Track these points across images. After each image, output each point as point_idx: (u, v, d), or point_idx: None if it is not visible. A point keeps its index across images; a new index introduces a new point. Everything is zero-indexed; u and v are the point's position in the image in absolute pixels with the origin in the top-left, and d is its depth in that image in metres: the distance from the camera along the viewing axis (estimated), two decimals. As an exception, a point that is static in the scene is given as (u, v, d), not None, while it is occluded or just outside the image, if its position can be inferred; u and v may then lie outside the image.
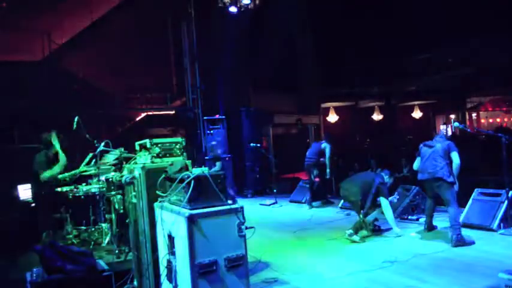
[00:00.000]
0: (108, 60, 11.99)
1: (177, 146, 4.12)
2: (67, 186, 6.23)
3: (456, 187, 5.88)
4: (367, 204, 6.34)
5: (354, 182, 6.66)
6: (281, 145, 15.70)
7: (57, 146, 6.02)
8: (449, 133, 19.66)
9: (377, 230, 6.59)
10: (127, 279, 4.36)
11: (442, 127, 23.57)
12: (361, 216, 6.33)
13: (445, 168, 5.86)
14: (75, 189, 6.17)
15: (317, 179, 9.17)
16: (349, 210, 8.21)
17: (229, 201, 3.30)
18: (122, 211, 5.39)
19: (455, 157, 5.85)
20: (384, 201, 6.36)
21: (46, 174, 5.88)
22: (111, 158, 5.93)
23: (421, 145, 6.28)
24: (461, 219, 6.33)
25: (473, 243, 5.61)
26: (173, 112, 13.00)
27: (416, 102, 22.64)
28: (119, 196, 5.48)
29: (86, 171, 6.28)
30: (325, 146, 9.15)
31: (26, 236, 6.06)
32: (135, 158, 4.35)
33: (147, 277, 3.86)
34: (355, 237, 6.16)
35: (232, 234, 3.18)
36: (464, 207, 6.47)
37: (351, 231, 6.22)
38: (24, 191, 6.84)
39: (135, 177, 3.95)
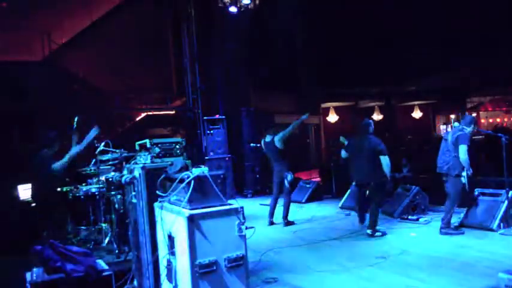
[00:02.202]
0: (108, 60, 11.99)
1: (177, 146, 4.13)
2: (67, 186, 6.24)
3: (463, 180, 5.90)
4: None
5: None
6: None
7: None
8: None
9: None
10: (127, 279, 4.36)
11: (442, 127, 23.59)
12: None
13: (451, 162, 5.93)
14: (75, 189, 6.18)
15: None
16: (349, 210, 8.21)
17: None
18: (122, 211, 5.40)
19: (460, 151, 5.83)
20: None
21: (56, 166, 5.86)
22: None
23: (443, 138, 6.34)
24: (460, 219, 6.37)
25: (462, 233, 5.96)
26: (173, 112, 13.01)
27: (416, 102, 22.65)
28: (118, 196, 5.49)
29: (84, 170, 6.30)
30: (278, 139, 7.25)
31: (26, 236, 6.06)
32: (135, 158, 4.35)
33: (147, 277, 3.86)
34: (378, 234, 6.27)
35: (232, 234, 3.18)
36: (465, 207, 6.48)
37: (369, 231, 6.29)
38: (24, 191, 6.84)
39: (135, 177, 3.95)
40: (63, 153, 6.17)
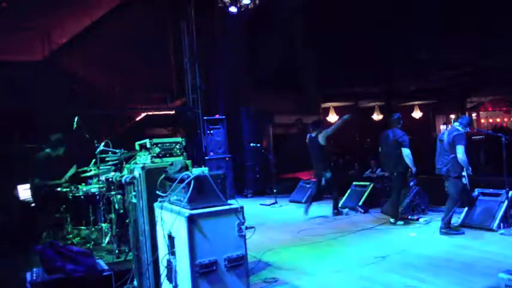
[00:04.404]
0: (108, 61, 11.97)
1: (177, 146, 4.13)
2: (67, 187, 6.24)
3: (464, 180, 5.94)
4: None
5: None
6: (281, 145, 15.70)
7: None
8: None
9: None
10: (127, 279, 4.36)
11: (442, 127, 23.58)
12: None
13: (450, 163, 5.96)
14: (75, 189, 6.18)
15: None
16: (349, 210, 8.22)
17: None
18: (122, 211, 5.40)
19: (458, 151, 5.87)
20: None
21: (37, 180, 5.95)
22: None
23: (438, 139, 6.39)
24: (460, 219, 6.38)
25: (462, 233, 6.02)
26: (173, 112, 13.00)
27: (416, 102, 22.61)
28: (118, 196, 5.50)
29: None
30: (321, 138, 7.70)
31: (26, 236, 6.07)
32: (135, 158, 4.35)
33: (147, 277, 3.86)
34: (399, 222, 6.81)
35: (232, 234, 3.18)
36: (465, 207, 6.48)
37: (392, 219, 6.88)
38: (24, 191, 6.85)
39: (135, 177, 3.95)
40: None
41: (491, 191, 6.43)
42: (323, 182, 7.84)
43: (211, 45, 12.30)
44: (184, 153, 4.18)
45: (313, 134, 7.86)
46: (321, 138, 7.69)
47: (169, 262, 3.38)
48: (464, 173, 5.90)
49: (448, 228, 6.02)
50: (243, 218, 3.21)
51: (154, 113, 13.16)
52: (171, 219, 3.34)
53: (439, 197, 6.79)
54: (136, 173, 3.96)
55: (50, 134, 6.26)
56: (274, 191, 10.07)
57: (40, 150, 6.35)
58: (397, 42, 14.65)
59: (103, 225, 6.10)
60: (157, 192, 3.60)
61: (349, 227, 7.03)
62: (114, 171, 5.80)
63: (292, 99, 17.13)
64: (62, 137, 6.25)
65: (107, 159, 5.85)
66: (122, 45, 11.93)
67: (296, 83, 16.75)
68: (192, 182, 3.17)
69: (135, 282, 4.24)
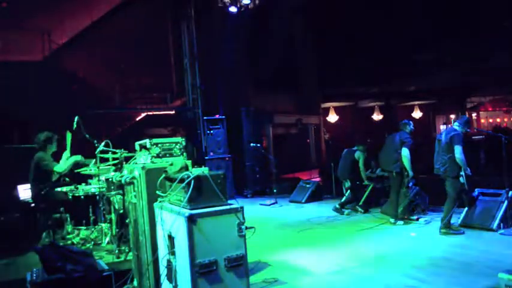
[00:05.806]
0: (108, 60, 11.98)
1: (177, 146, 4.12)
2: (67, 186, 6.23)
3: (462, 179, 5.95)
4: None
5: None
6: (281, 145, 15.72)
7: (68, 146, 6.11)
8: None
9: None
10: (127, 279, 4.36)
11: (442, 127, 23.61)
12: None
13: (448, 163, 5.98)
14: (75, 189, 6.17)
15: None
16: (349, 210, 8.21)
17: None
18: (122, 211, 5.39)
19: (455, 151, 5.88)
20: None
21: (57, 169, 5.92)
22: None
23: (436, 139, 6.39)
24: (460, 219, 6.38)
25: (462, 233, 6.02)
26: (173, 112, 13.00)
27: (416, 102, 22.64)
28: (118, 196, 5.49)
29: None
30: (358, 155, 8.27)
31: (26, 236, 6.07)
32: (135, 158, 4.35)
33: (147, 277, 3.86)
34: (399, 222, 6.88)
35: (232, 234, 3.18)
36: (465, 207, 6.48)
37: (392, 219, 6.94)
38: (24, 191, 6.84)
39: (135, 177, 3.95)
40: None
41: (491, 191, 6.42)
42: (343, 189, 8.51)
43: (211, 45, 12.30)
44: (184, 153, 4.17)
45: (354, 148, 8.40)
46: (358, 154, 8.23)
47: (169, 262, 3.38)
48: (462, 173, 5.90)
49: (448, 228, 6.03)
50: (243, 218, 3.21)
51: (154, 113, 13.17)
52: (171, 219, 3.34)
53: (439, 197, 6.78)
54: (136, 173, 3.96)
55: (37, 135, 6.20)
56: (274, 191, 10.08)
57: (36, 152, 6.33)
58: (397, 42, 14.66)
59: (103, 225, 6.10)
60: (157, 192, 3.60)
61: (349, 227, 7.03)
62: (114, 171, 5.80)
63: (292, 99, 17.15)
64: (50, 134, 6.19)
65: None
66: (122, 45, 11.93)
67: (296, 83, 16.76)
68: (192, 182, 3.17)
69: (135, 282, 4.24)
